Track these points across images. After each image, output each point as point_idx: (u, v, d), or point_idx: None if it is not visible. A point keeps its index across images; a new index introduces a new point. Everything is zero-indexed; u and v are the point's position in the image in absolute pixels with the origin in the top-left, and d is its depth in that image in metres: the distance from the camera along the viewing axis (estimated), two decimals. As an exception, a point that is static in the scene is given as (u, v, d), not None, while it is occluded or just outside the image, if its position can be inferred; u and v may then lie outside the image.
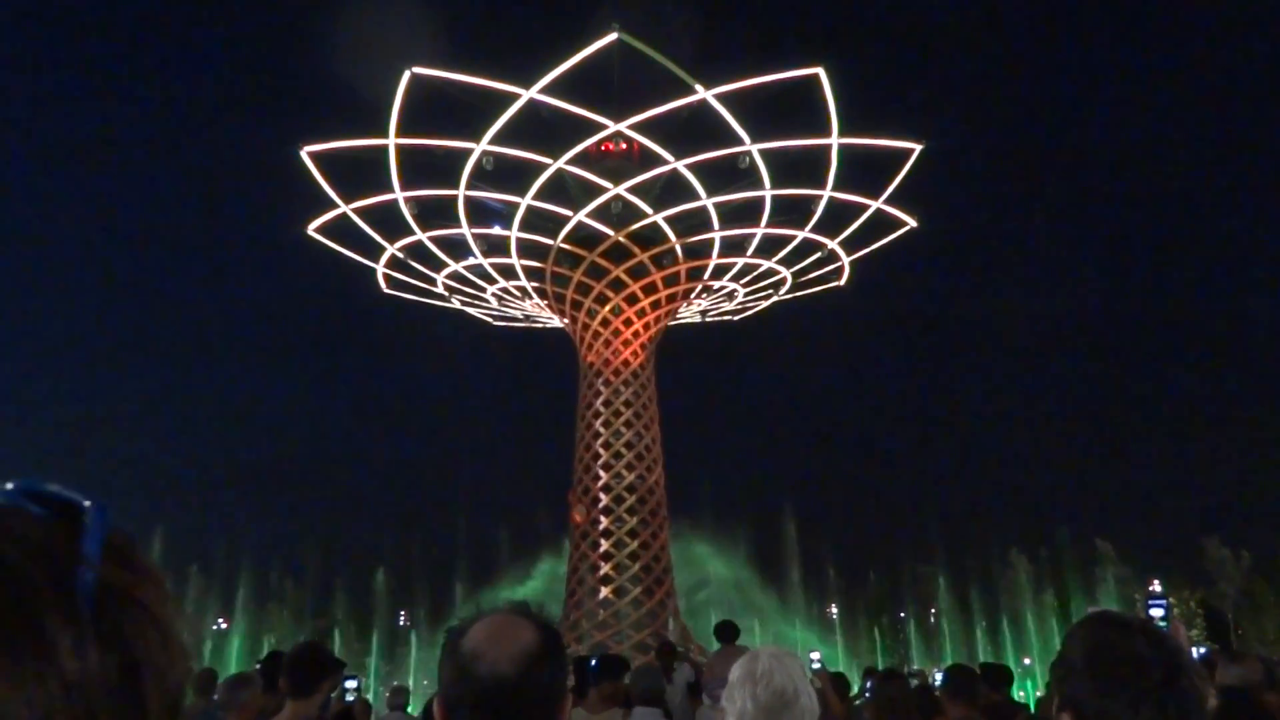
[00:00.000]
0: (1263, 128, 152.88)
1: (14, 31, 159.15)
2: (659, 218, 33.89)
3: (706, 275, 37.72)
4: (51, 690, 0.55)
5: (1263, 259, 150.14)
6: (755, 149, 29.96)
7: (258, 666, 8.60)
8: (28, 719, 0.54)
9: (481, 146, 29.64)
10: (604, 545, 36.21)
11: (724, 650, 9.12)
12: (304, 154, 30.97)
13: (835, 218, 34.63)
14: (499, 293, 39.51)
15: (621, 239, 34.88)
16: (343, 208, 33.28)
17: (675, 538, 39.30)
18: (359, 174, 32.42)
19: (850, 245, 36.85)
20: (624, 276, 36.18)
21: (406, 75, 27.84)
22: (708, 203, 33.08)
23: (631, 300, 36.83)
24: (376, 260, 37.04)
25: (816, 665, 11.32)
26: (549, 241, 35.22)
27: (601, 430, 37.45)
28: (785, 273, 38.37)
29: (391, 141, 29.84)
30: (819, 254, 36.99)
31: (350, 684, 10.80)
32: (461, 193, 31.96)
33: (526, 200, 32.55)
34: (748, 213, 34.21)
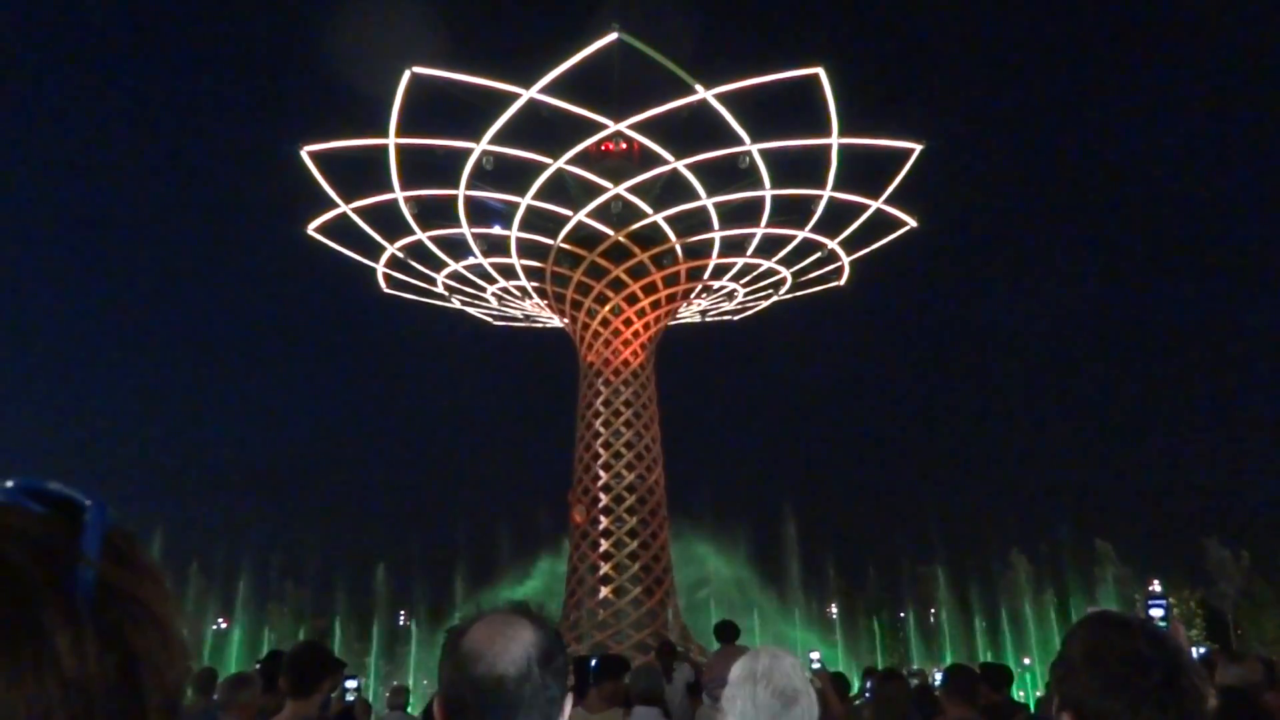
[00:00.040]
0: (1263, 127, 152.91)
1: (14, 31, 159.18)
2: (659, 218, 33.88)
3: (706, 275, 37.72)
4: (50, 688, 0.55)
5: (1263, 259, 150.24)
6: (755, 149, 29.95)
7: (258, 666, 8.60)
8: (26, 717, 0.54)
9: (481, 146, 29.63)
10: (604, 545, 36.20)
11: (724, 650, 9.10)
12: (304, 154, 30.97)
13: (835, 218, 34.64)
14: (499, 293, 39.51)
15: (621, 239, 34.88)
16: (343, 207, 33.28)
17: (675, 537, 39.30)
18: (359, 174, 32.47)
19: (850, 245, 36.86)
20: (624, 276, 36.19)
21: (406, 75, 27.83)
22: (708, 203, 33.08)
23: (631, 300, 36.84)
24: (376, 260, 37.03)
25: (816, 665, 11.34)
26: (549, 241, 35.23)
27: (601, 430, 37.46)
28: (785, 273, 38.38)
29: (391, 141, 29.83)
30: (819, 254, 36.99)
31: (351, 684, 10.81)
32: (461, 192, 31.96)
33: (526, 200, 32.54)
34: (747, 213, 34.21)
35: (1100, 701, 1.91)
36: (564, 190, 33.79)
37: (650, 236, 35.19)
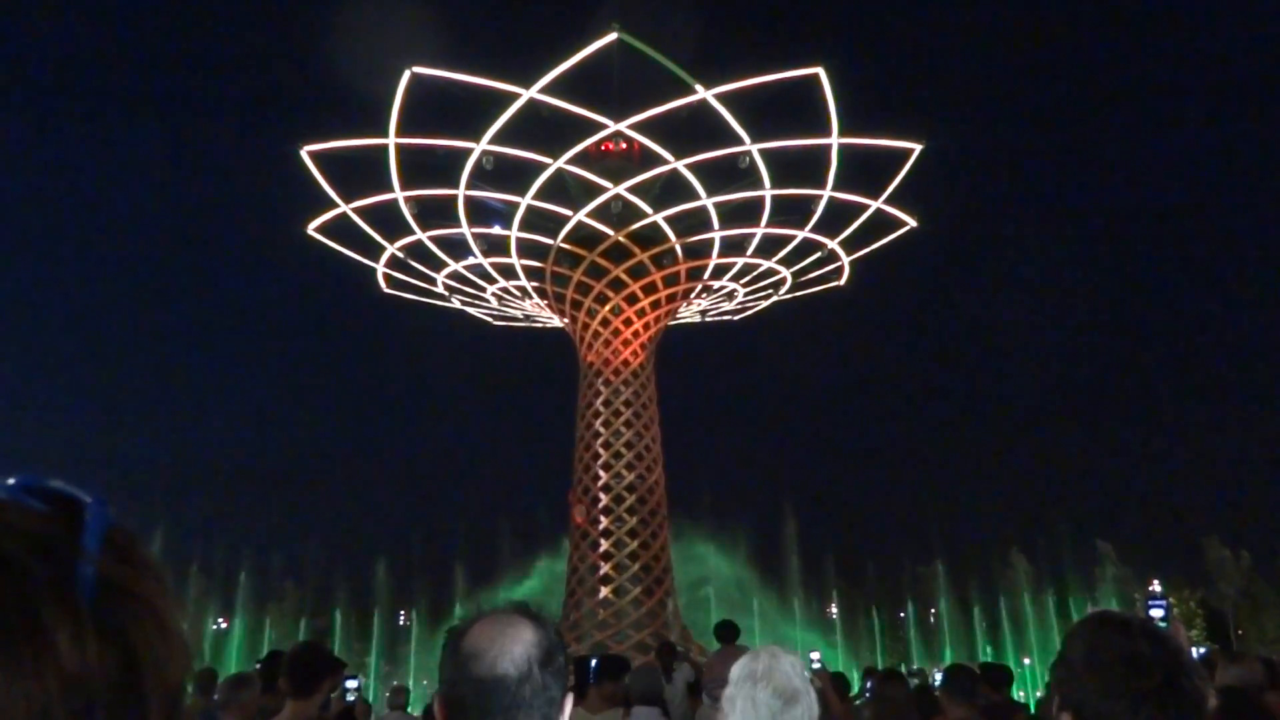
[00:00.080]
0: (1264, 127, 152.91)
1: (14, 31, 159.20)
2: (659, 217, 33.87)
3: (706, 275, 37.71)
4: (50, 684, 0.54)
5: (1263, 259, 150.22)
6: (755, 149, 29.95)
7: (258, 666, 8.60)
8: (26, 713, 0.53)
9: (481, 146, 29.63)
10: (604, 545, 36.19)
11: (724, 650, 9.10)
12: (304, 154, 30.97)
13: (835, 218, 34.63)
14: (499, 292, 39.49)
15: (621, 239, 34.87)
16: (343, 207, 33.27)
17: (675, 537, 39.30)
18: (359, 174, 32.46)
19: (850, 245, 36.85)
20: (624, 276, 36.18)
21: (406, 75, 27.84)
22: (708, 203, 33.07)
23: (631, 300, 36.83)
24: (376, 260, 37.03)
25: (816, 665, 11.32)
26: (549, 241, 35.22)
27: (601, 430, 37.45)
28: (785, 273, 38.37)
29: (391, 141, 29.83)
30: (819, 254, 36.98)
31: (351, 684, 10.80)
32: (461, 192, 31.96)
33: (526, 200, 32.53)
34: (747, 213, 34.20)
35: (1101, 702, 1.91)
36: (564, 190, 33.78)
37: (650, 236, 35.18)
